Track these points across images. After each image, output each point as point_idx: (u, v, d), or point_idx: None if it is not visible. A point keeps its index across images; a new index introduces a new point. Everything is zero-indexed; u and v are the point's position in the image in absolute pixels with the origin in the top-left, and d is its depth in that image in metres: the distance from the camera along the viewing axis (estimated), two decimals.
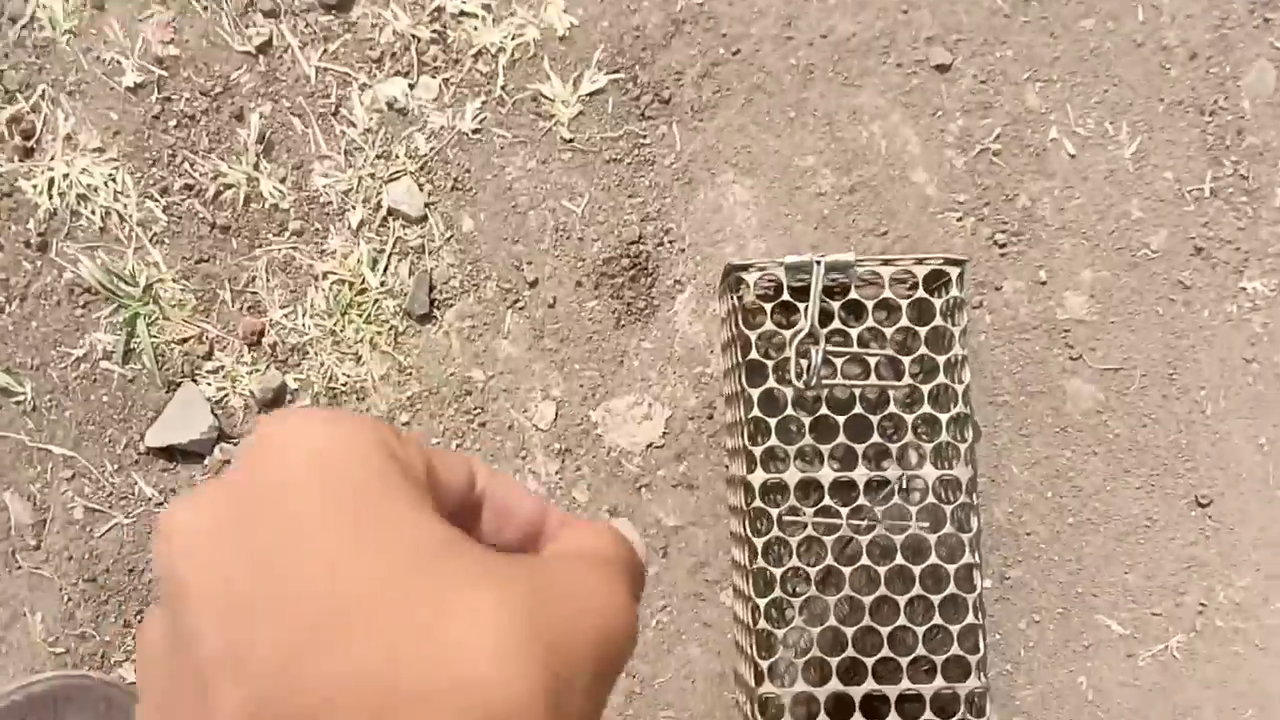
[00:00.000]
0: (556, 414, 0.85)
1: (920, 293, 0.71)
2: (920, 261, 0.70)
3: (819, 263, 0.69)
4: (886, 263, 0.70)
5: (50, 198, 0.86)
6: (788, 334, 0.71)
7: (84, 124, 0.87)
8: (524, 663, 0.17)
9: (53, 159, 0.86)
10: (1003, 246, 0.85)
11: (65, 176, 0.86)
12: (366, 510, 0.18)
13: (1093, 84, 0.86)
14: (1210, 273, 0.84)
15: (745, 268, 0.70)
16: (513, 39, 0.88)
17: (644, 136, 0.87)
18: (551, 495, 0.85)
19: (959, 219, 0.85)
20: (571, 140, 0.88)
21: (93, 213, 0.86)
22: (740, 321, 0.72)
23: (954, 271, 0.71)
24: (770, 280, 0.71)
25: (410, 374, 0.86)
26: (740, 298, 0.71)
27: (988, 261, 0.85)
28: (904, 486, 0.72)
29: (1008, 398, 0.84)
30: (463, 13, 0.88)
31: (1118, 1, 0.86)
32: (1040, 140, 0.86)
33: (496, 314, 0.86)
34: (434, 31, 0.88)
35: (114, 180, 0.86)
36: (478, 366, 0.86)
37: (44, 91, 0.86)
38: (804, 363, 0.69)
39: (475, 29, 0.88)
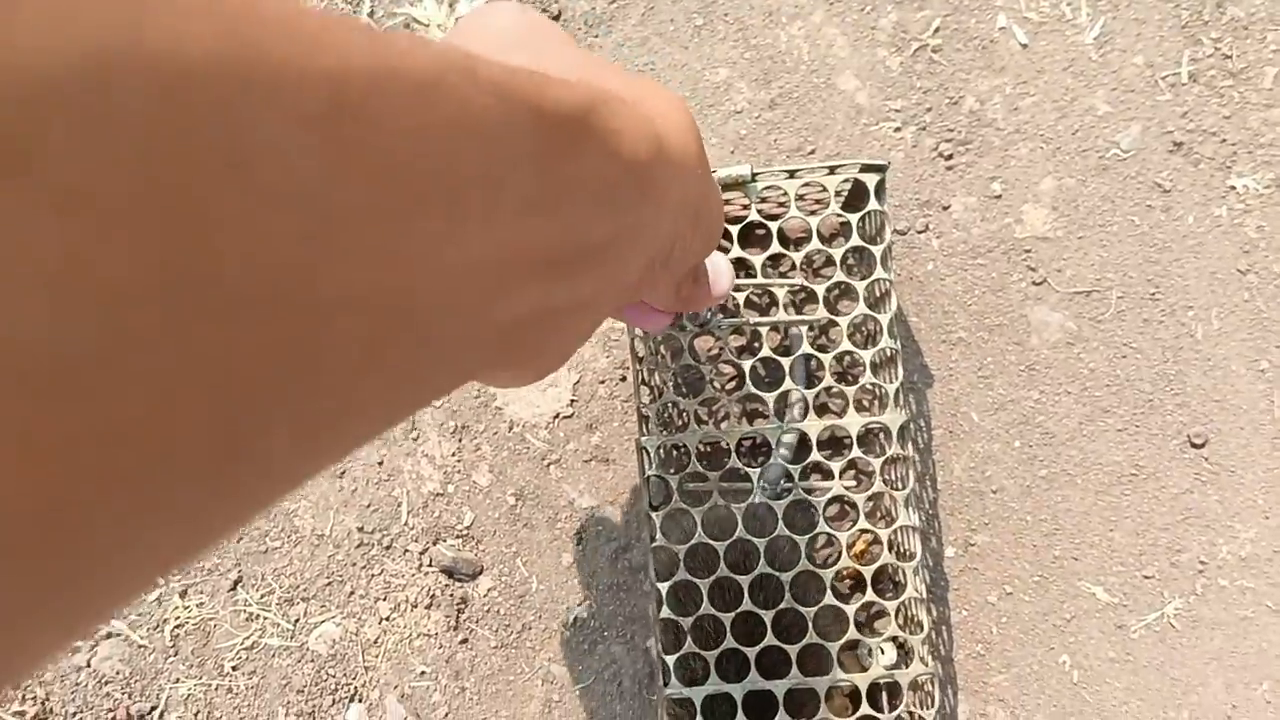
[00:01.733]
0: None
1: (832, 209, 0.63)
2: (832, 171, 0.63)
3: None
4: (791, 175, 0.63)
5: None
6: None
7: None
8: (694, 126, 0.31)
9: None
10: (949, 158, 0.77)
11: None
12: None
13: None
14: (1193, 171, 0.76)
15: None
16: None
17: None
18: (449, 480, 0.78)
19: (897, 129, 0.77)
20: None
21: None
22: None
23: (872, 180, 0.63)
24: None
25: None
26: None
27: (933, 177, 0.77)
28: (824, 439, 0.65)
29: (963, 334, 0.76)
30: None
31: None
32: (987, 30, 0.77)
33: None
34: None
35: None
36: None
37: None
38: None
39: None
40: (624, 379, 0.78)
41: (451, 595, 0.78)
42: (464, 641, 0.78)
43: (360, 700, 0.77)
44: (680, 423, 0.71)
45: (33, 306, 0.11)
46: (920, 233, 0.77)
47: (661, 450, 0.66)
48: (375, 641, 0.78)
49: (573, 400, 0.79)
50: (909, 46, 0.78)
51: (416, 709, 0.77)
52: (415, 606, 0.78)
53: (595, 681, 0.77)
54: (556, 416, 0.79)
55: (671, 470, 0.66)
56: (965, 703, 0.75)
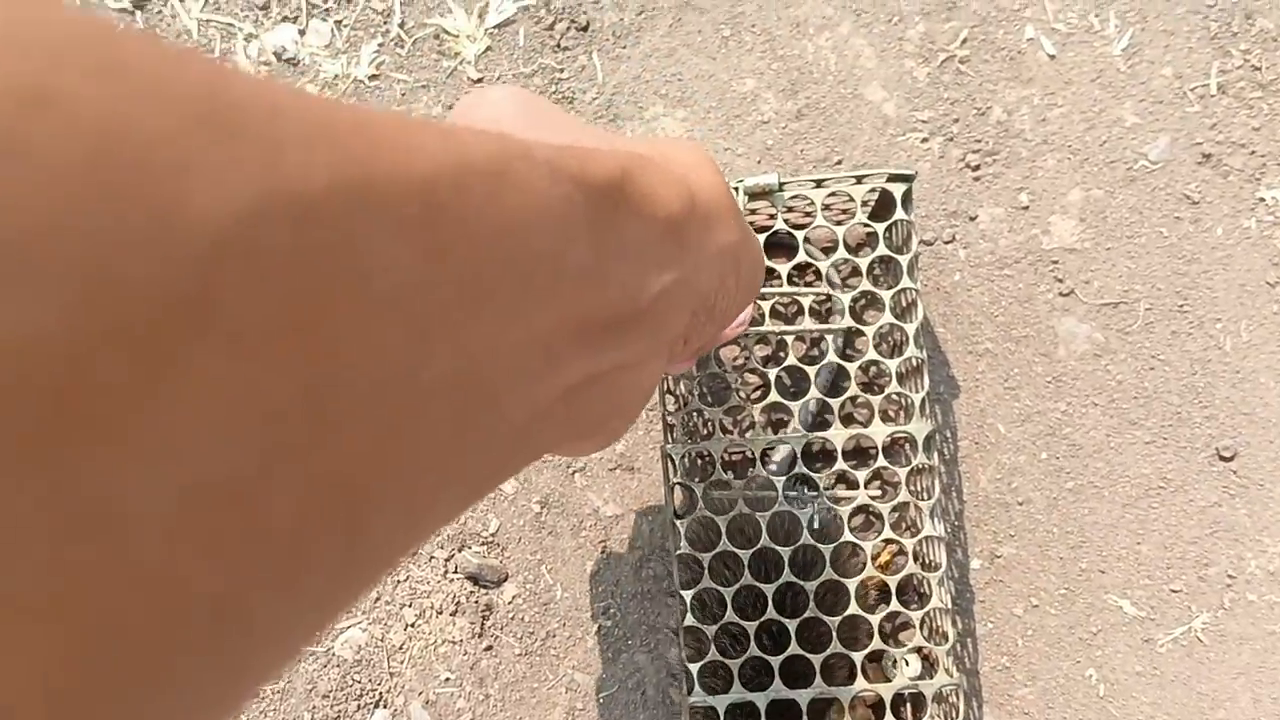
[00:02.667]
0: None
1: (859, 218, 0.65)
2: (859, 180, 0.65)
3: (737, 187, 0.64)
4: (818, 184, 0.65)
5: None
6: None
7: None
8: (721, 178, 0.32)
9: None
10: (976, 169, 0.79)
11: None
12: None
13: None
14: (1222, 183, 0.77)
15: None
16: None
17: (561, 70, 0.83)
18: None
19: (924, 140, 0.79)
20: (480, 80, 0.83)
21: None
22: None
23: (899, 190, 0.65)
24: None
25: None
26: None
27: (960, 188, 0.79)
28: (850, 449, 0.67)
29: (989, 345, 0.78)
30: None
31: None
32: (1014, 41, 0.79)
33: None
34: None
35: None
36: None
37: None
38: None
39: None
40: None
41: (476, 602, 0.80)
42: (489, 648, 0.80)
43: (385, 706, 0.80)
44: (705, 431, 0.73)
45: (210, 434, 0.12)
46: (947, 243, 0.79)
47: (686, 458, 0.68)
48: (401, 647, 0.80)
49: None
50: (936, 57, 0.80)
51: (441, 715, 0.79)
52: (440, 613, 0.80)
53: (619, 690, 0.79)
54: None
55: (696, 479, 0.68)
56: (990, 716, 0.76)
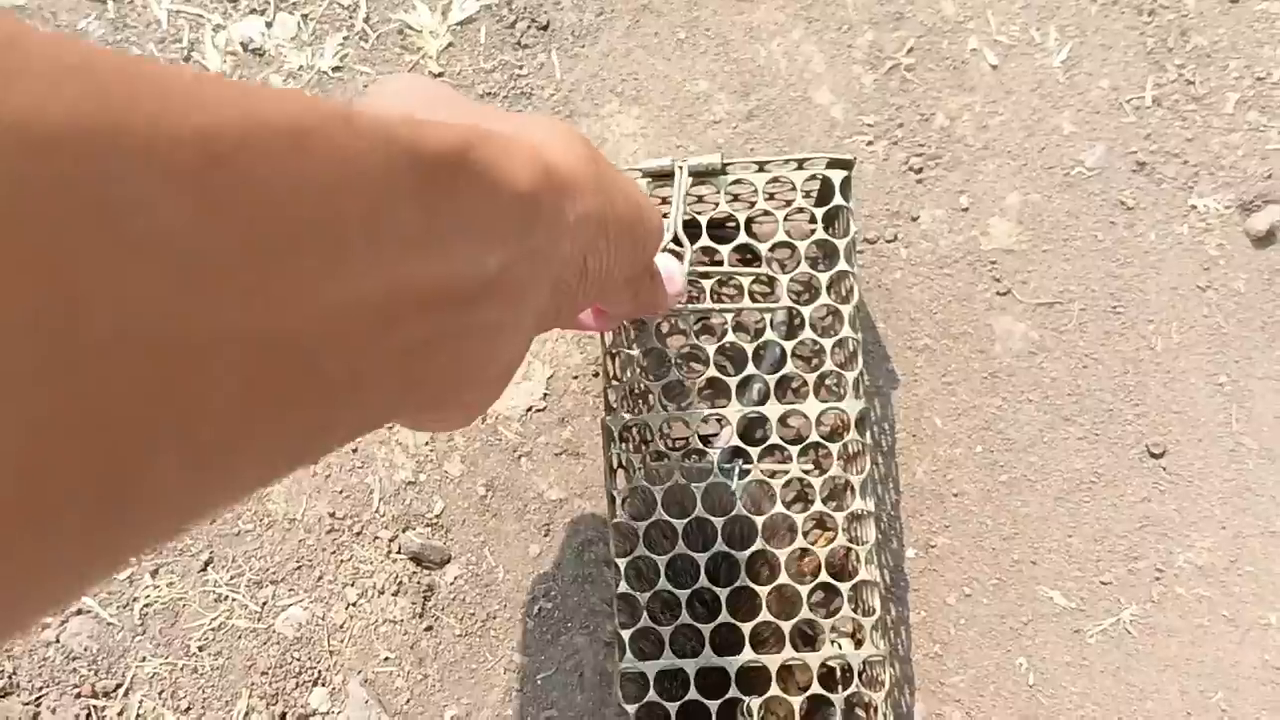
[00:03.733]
0: None
1: (798, 201, 0.69)
2: (800, 165, 0.68)
3: (681, 167, 0.68)
4: (761, 167, 0.69)
5: None
6: None
7: None
8: (584, 148, 0.32)
9: None
10: (919, 172, 0.83)
11: None
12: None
13: None
14: (1155, 190, 0.82)
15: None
16: None
17: (520, 67, 0.87)
18: (421, 470, 0.83)
19: (869, 143, 0.83)
20: (441, 74, 0.87)
21: None
22: None
23: (838, 176, 0.69)
24: None
25: None
26: None
27: (903, 189, 0.83)
28: (789, 437, 0.70)
29: (928, 341, 0.82)
30: None
31: None
32: (958, 51, 0.84)
33: None
34: None
35: None
36: None
37: None
38: None
39: None
40: (596, 375, 0.83)
41: (419, 583, 0.82)
42: (429, 629, 0.81)
43: (324, 684, 0.81)
44: (645, 406, 0.76)
45: None
46: (889, 242, 0.83)
47: (626, 432, 0.71)
48: (341, 626, 0.82)
49: (545, 394, 0.84)
50: (883, 65, 0.84)
51: (379, 694, 0.81)
52: (382, 593, 0.82)
53: (557, 671, 0.81)
54: (529, 410, 0.83)
55: (634, 450, 0.70)
56: (922, 702, 0.78)
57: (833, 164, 0.70)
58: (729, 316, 0.71)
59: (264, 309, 0.18)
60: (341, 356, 0.20)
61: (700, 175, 0.69)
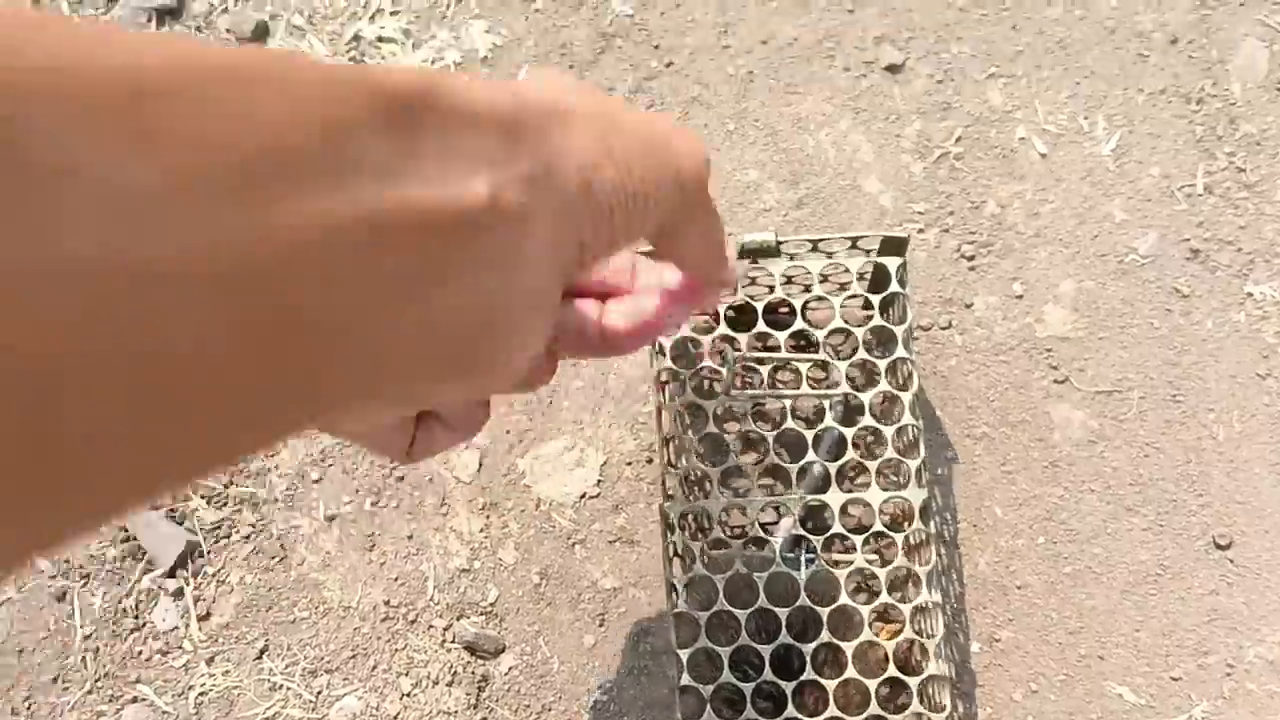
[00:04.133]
0: (480, 463, 0.84)
1: (854, 287, 0.70)
2: (854, 244, 0.69)
3: (736, 243, 0.69)
4: (815, 246, 0.69)
5: None
6: (705, 339, 0.70)
7: None
8: (576, 81, 0.31)
9: None
10: (971, 259, 0.84)
11: None
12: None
13: (1062, 77, 0.86)
14: (1210, 278, 0.82)
15: None
16: (432, 63, 0.91)
17: None
18: (475, 557, 0.83)
19: (920, 230, 0.84)
20: None
21: None
22: None
23: (894, 263, 0.70)
24: None
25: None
26: None
27: (955, 277, 0.84)
28: (851, 527, 0.70)
29: (986, 429, 0.81)
30: (380, 39, 0.92)
31: None
32: (1007, 140, 0.85)
33: None
34: (352, 59, 0.92)
35: None
36: None
37: None
38: (723, 370, 0.68)
39: (394, 54, 0.91)
40: (649, 460, 0.84)
41: (473, 673, 0.82)
42: None
43: None
44: (702, 493, 0.76)
45: None
46: (944, 329, 0.83)
47: (685, 519, 0.71)
48: (396, 717, 0.81)
49: (599, 480, 0.84)
50: (932, 153, 0.86)
51: None
52: (437, 683, 0.82)
53: None
54: (583, 496, 0.84)
55: (692, 537, 0.70)
56: None
57: (886, 243, 0.71)
58: (786, 403, 0.72)
59: (214, 241, 0.17)
60: (317, 290, 0.20)
61: (754, 254, 0.70)
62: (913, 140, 0.87)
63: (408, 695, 0.83)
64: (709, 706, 0.67)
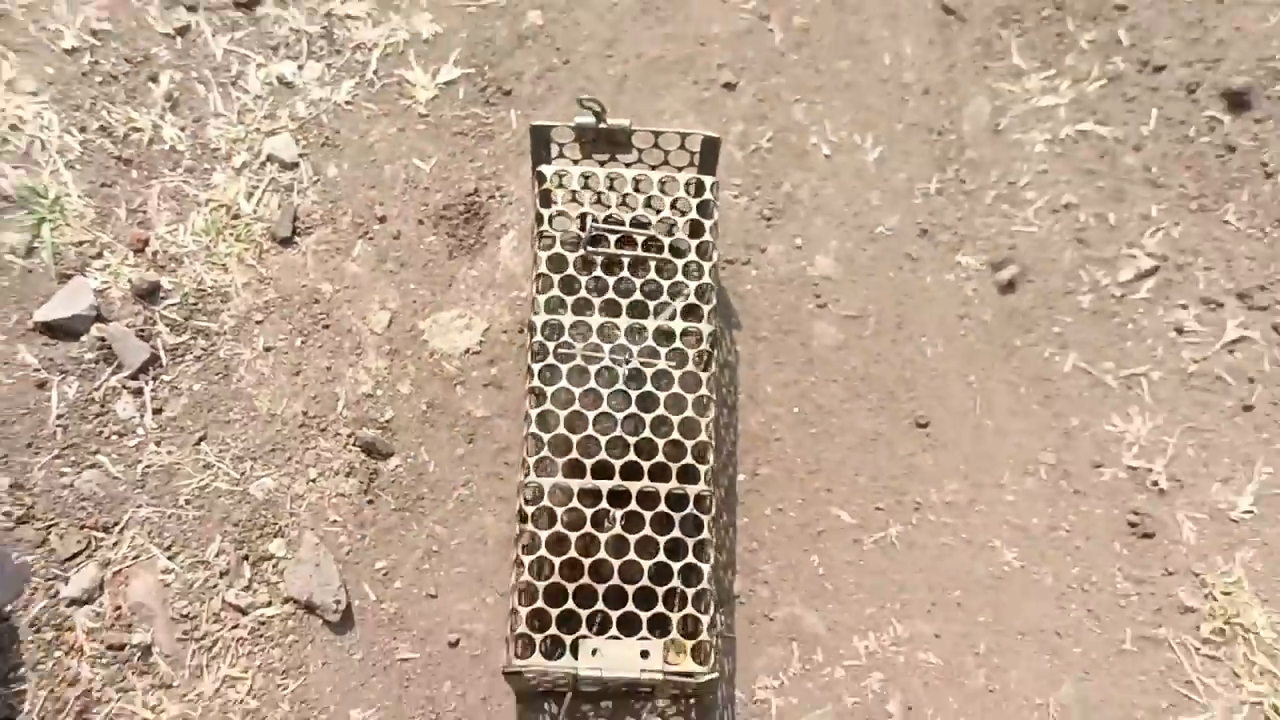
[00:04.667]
0: (390, 321, 1.38)
1: (689, 170, 1.27)
2: (684, 139, 1.26)
3: (601, 123, 1.26)
4: (657, 137, 1.27)
5: None
6: (581, 198, 1.28)
7: (24, 74, 1.45)
8: None
9: None
10: (769, 219, 1.44)
11: (1, 111, 1.43)
12: None
13: (846, 108, 1.49)
14: (933, 249, 1.44)
15: (550, 128, 1.26)
16: (386, 38, 1.51)
17: (487, 118, 1.48)
18: (379, 386, 1.36)
19: (735, 196, 1.45)
20: (426, 115, 1.48)
21: (20, 139, 1.43)
22: (539, 191, 1.28)
23: (708, 180, 1.28)
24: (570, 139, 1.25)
25: (268, 283, 1.39)
26: (539, 175, 1.27)
27: (756, 230, 1.44)
28: (659, 332, 1.27)
29: (766, 334, 1.40)
30: (348, 16, 1.51)
31: (869, 48, 1.52)
32: (802, 144, 1.48)
33: (349, 241, 1.41)
34: (323, 28, 1.50)
35: (41, 117, 1.43)
36: (327, 281, 1.39)
37: None
38: (584, 233, 1.26)
39: (357, 28, 1.50)
40: (520, 330, 1.39)
41: (367, 469, 1.32)
42: (370, 503, 1.32)
43: (283, 536, 1.30)
44: (561, 311, 1.32)
45: None
46: (744, 264, 1.42)
47: (544, 329, 1.27)
48: (301, 495, 1.31)
49: (481, 341, 1.37)
50: (749, 146, 1.48)
51: (327, 546, 1.30)
52: (337, 474, 1.32)
53: (467, 540, 1.30)
54: (467, 351, 1.37)
55: (551, 339, 1.26)
56: (739, 581, 1.30)
57: (706, 139, 1.22)
58: (626, 259, 1.29)
59: None
60: None
61: (611, 138, 1.26)
62: (737, 137, 1.48)
63: (313, 481, 1.32)
64: (546, 447, 1.21)
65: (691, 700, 1.19)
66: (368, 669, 1.19)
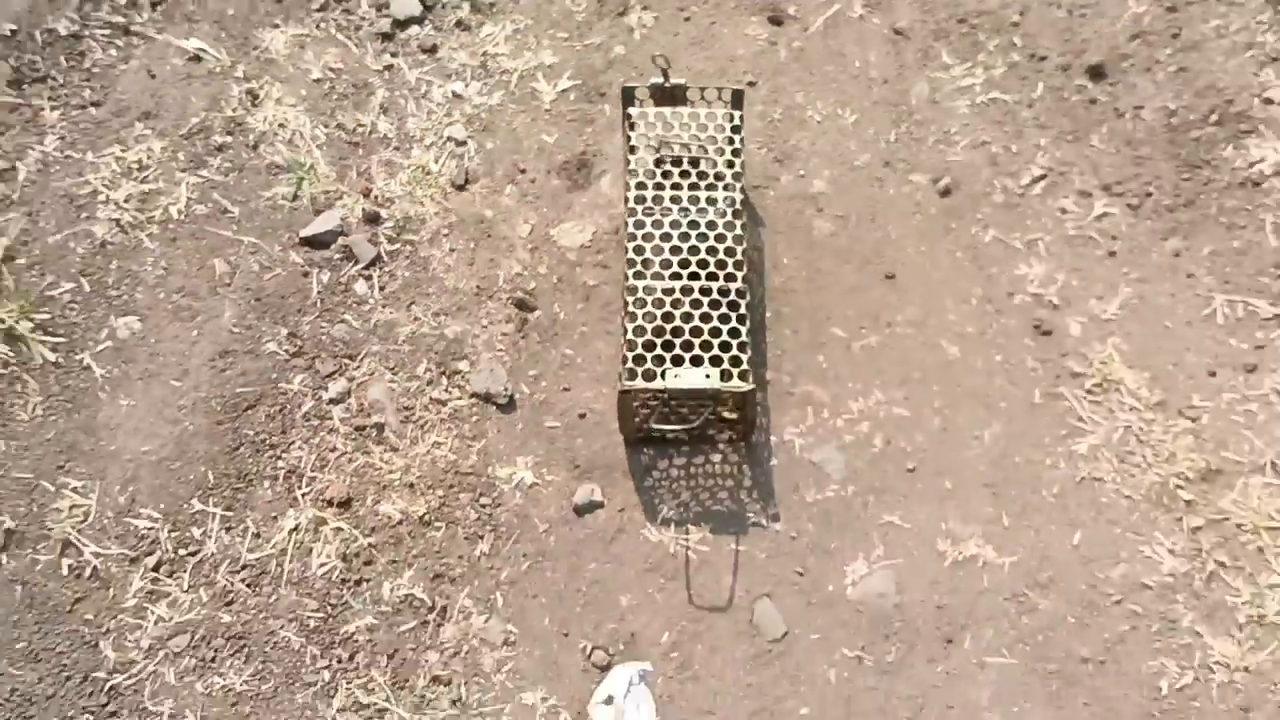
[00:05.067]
0: (531, 231, 2.08)
1: (725, 110, 1.99)
2: (720, 92, 1.97)
3: (667, 81, 1.97)
4: (703, 91, 1.98)
5: (262, 123, 2.18)
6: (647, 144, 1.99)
7: (287, 95, 2.21)
8: None
9: (266, 108, 2.20)
10: (780, 161, 2.10)
11: (274, 116, 2.19)
12: None
13: (831, 94, 2.21)
14: (894, 174, 2.10)
15: (634, 88, 1.97)
16: (523, 65, 2.25)
17: (589, 111, 2.19)
18: (524, 270, 2.05)
19: (758, 148, 2.15)
20: (549, 110, 2.21)
21: (286, 132, 2.18)
22: (629, 135, 1.99)
23: (737, 114, 2.00)
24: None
25: (450, 212, 2.08)
26: (629, 116, 1.99)
27: (772, 168, 2.09)
28: (709, 200, 1.95)
29: (782, 229, 2.03)
30: (498, 53, 2.27)
31: (845, 58, 2.24)
32: (801, 115, 2.16)
33: (501, 185, 2.10)
34: (481, 62, 2.22)
35: (299, 120, 2.18)
36: (489, 209, 2.10)
37: (266, 80, 2.23)
38: (656, 169, 1.96)
39: (504, 60, 2.23)
40: (617, 232, 2.07)
41: (519, 317, 1.95)
42: (523, 338, 1.95)
43: (466, 359, 1.95)
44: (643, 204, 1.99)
45: None
46: (765, 189, 2.10)
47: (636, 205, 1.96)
48: (477, 335, 1.97)
49: (590, 240, 2.07)
50: (767, 119, 2.20)
51: (497, 363, 1.97)
52: (498, 322, 1.98)
53: (586, 358, 1.95)
54: (581, 246, 2.07)
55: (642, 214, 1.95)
56: (770, 373, 1.93)
57: (735, 93, 1.98)
58: (686, 180, 1.98)
59: None
60: None
61: (674, 95, 1.98)
62: (759, 114, 2.19)
63: (484, 326, 1.97)
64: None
65: (742, 443, 1.79)
66: (527, 433, 1.84)
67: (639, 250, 1.78)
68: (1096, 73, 2.07)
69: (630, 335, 1.70)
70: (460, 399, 1.85)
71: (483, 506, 1.76)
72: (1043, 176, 2.00)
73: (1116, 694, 1.60)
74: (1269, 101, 2.00)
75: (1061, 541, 1.70)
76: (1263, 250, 1.88)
